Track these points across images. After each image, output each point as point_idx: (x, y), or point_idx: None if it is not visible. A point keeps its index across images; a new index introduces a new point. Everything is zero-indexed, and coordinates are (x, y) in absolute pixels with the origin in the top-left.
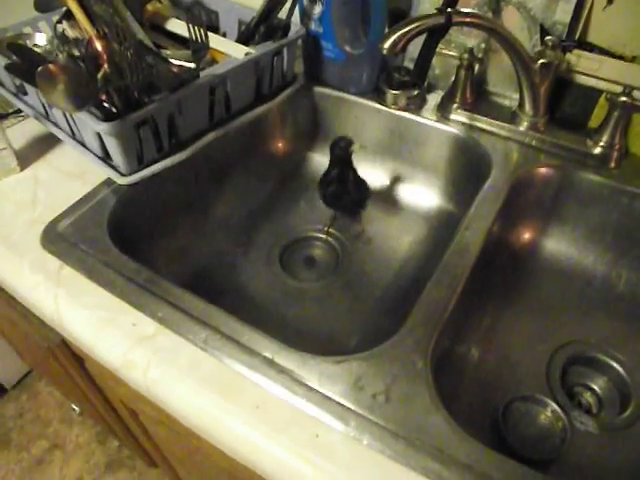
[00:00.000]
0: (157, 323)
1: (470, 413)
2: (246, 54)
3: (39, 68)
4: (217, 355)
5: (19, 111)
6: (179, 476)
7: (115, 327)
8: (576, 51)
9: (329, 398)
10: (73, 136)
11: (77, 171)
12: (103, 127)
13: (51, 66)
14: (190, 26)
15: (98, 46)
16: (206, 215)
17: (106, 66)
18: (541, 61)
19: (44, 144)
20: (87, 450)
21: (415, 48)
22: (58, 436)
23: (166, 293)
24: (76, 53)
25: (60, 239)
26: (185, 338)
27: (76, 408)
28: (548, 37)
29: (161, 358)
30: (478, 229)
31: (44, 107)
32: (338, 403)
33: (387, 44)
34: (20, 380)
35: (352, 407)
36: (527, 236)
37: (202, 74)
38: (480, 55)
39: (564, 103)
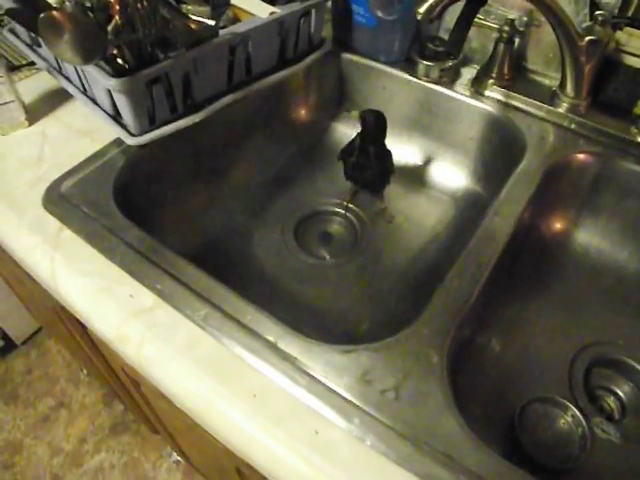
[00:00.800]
0: (155, 296)
1: (485, 410)
2: (271, 13)
3: (41, 15)
4: (216, 335)
5: (33, 63)
6: (180, 446)
7: (111, 297)
8: (628, 29)
9: (333, 391)
10: (84, 92)
11: (87, 128)
12: (112, 83)
13: (56, 14)
14: None
15: None
16: (219, 182)
17: (117, 17)
18: (589, 38)
19: (55, 99)
20: (92, 411)
21: (452, 18)
22: (65, 395)
23: (168, 264)
24: (88, 4)
25: (62, 200)
26: (183, 314)
27: (84, 369)
28: (598, 12)
29: (156, 334)
30: (508, 215)
31: (57, 60)
32: (342, 397)
33: (423, 9)
34: (30, 336)
35: (357, 402)
36: (558, 226)
37: (222, 32)
38: (522, 29)
39: (608, 86)
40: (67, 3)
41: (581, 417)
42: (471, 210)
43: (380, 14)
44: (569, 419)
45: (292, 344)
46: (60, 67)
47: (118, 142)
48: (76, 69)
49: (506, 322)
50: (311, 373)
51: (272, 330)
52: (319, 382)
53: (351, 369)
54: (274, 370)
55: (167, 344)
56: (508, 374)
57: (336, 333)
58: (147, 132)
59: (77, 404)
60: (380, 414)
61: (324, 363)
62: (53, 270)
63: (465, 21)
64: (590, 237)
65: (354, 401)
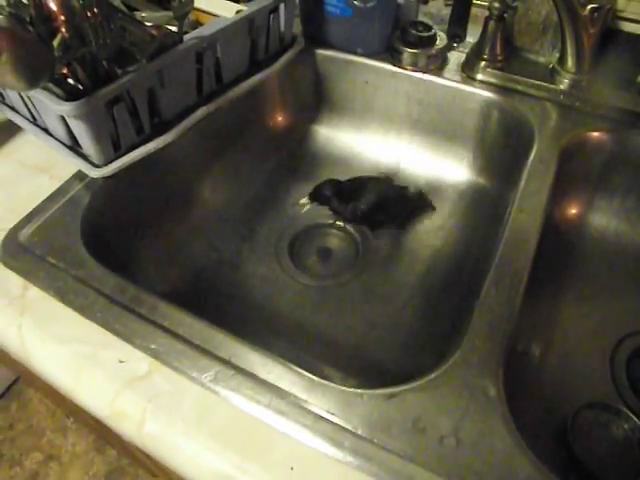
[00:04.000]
0: (151, 358)
1: (535, 428)
2: (237, 12)
3: None
4: (232, 398)
5: None
6: None
7: (97, 366)
8: None
9: (385, 449)
10: (34, 121)
11: (43, 164)
12: (66, 108)
13: None
14: None
15: (51, 3)
16: (199, 207)
17: (63, 29)
18: (591, 6)
19: (1, 133)
20: (85, 460)
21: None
22: (53, 446)
23: (160, 316)
24: (25, 16)
25: (23, 251)
26: (188, 377)
27: (70, 417)
28: None
29: (159, 405)
30: (533, 210)
31: None
32: (398, 455)
33: None
34: (8, 388)
35: (416, 458)
36: (572, 211)
37: (186, 37)
38: (515, 4)
39: (608, 56)
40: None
41: (636, 419)
42: (478, 205)
43: (356, 2)
44: (623, 424)
45: (325, 398)
46: (2, 96)
47: (80, 176)
48: (21, 96)
49: (539, 325)
50: (354, 431)
51: (298, 384)
52: (366, 440)
53: (399, 418)
54: (310, 434)
55: (174, 417)
56: (551, 382)
57: (357, 364)
58: (112, 161)
59: (67, 455)
60: (445, 468)
61: (367, 416)
62: (22, 338)
63: None
64: (607, 220)
65: (413, 457)
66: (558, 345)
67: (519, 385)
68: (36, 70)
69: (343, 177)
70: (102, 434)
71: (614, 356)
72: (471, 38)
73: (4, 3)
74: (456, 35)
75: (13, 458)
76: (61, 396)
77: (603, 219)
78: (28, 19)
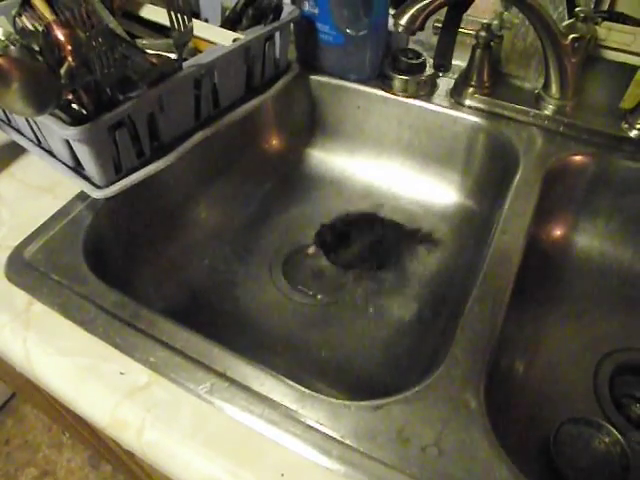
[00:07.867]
0: (150, 370)
1: (518, 440)
2: (234, 40)
3: None
4: (227, 409)
5: None
6: None
7: (99, 377)
8: (606, 23)
9: (371, 457)
10: (39, 144)
11: (47, 184)
12: (71, 132)
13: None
14: (171, 10)
15: (59, 34)
16: (196, 227)
17: (70, 58)
18: (572, 36)
19: (6, 154)
20: (80, 475)
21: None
22: (48, 462)
23: (158, 331)
24: (36, 47)
25: (28, 268)
26: (185, 388)
27: (66, 432)
28: (579, 8)
29: (157, 415)
30: (516, 232)
31: (4, 111)
32: (383, 463)
33: (404, 20)
34: (4, 404)
35: (400, 467)
36: (557, 233)
37: (185, 65)
38: (501, 32)
39: (591, 83)
40: (11, 47)
41: (617, 434)
42: (466, 226)
43: (348, 31)
44: (605, 438)
45: (315, 409)
46: (9, 119)
47: (82, 196)
48: (27, 120)
49: (524, 342)
50: (342, 440)
51: (289, 395)
52: (353, 449)
53: (384, 428)
54: (300, 442)
55: (171, 426)
56: (535, 397)
57: (346, 379)
58: (114, 182)
59: (62, 470)
60: (427, 476)
61: (354, 426)
62: (27, 352)
63: (450, 30)
64: (591, 240)
65: (397, 465)
66: (542, 361)
67: (503, 399)
68: (44, 98)
69: (336, 201)
70: (98, 449)
71: (598, 372)
72: (459, 62)
73: (12, 30)
74: (441, 66)
75: (8, 473)
76: (58, 411)
77: (587, 240)
78: (37, 49)
